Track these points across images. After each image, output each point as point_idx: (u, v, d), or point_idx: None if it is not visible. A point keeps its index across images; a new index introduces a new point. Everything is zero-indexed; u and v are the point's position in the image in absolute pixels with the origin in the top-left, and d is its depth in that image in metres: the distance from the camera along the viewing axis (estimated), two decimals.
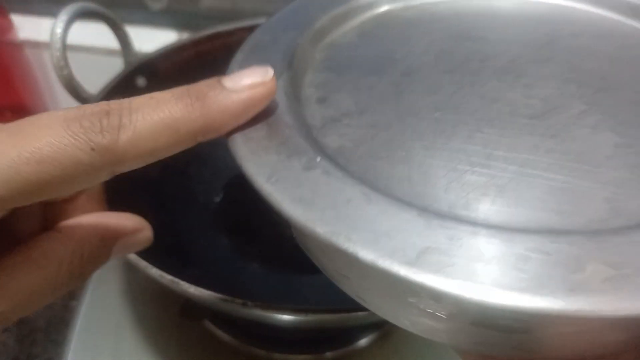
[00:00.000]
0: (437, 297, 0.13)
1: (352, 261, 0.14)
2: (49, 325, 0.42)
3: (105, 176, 0.15)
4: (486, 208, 0.15)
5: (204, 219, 0.46)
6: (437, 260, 0.13)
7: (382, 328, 0.41)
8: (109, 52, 0.59)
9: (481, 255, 0.13)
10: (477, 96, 0.19)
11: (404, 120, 0.18)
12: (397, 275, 0.13)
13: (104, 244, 0.19)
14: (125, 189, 0.40)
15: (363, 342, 0.40)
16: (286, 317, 0.29)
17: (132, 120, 0.15)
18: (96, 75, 0.41)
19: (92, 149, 0.14)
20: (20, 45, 0.67)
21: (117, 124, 0.15)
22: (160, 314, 0.41)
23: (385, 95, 0.20)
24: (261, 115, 0.17)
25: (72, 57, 0.39)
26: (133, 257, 0.30)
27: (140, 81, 0.43)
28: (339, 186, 0.15)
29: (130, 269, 0.44)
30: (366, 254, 0.13)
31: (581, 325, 0.13)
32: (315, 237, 0.14)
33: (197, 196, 0.47)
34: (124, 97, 0.16)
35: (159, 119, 0.15)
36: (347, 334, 0.41)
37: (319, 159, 0.16)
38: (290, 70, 0.20)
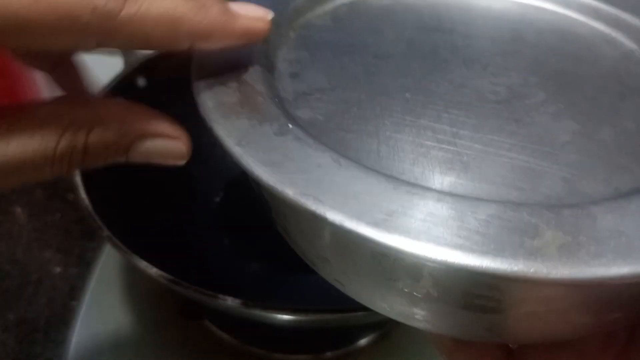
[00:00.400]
0: (401, 258, 0.14)
1: (328, 234, 0.14)
2: (49, 325, 0.42)
3: (90, 45, 0.15)
4: (451, 181, 0.16)
5: (204, 219, 0.46)
6: (402, 223, 0.13)
7: (382, 328, 0.41)
8: (109, 52, 0.59)
9: (445, 220, 0.13)
10: (445, 81, 0.20)
11: (374, 98, 0.19)
12: (364, 236, 0.13)
13: (122, 133, 0.17)
14: (126, 188, 0.40)
15: (363, 342, 0.40)
16: (286, 317, 0.29)
17: None
18: (96, 75, 0.41)
19: (93, 10, 0.14)
20: None
21: None
22: (160, 314, 0.41)
23: (357, 75, 0.20)
24: (234, 83, 0.18)
25: None
26: (133, 257, 0.30)
27: (141, 81, 0.43)
28: (309, 152, 0.15)
29: (130, 269, 0.44)
30: (334, 215, 0.13)
31: (547, 303, 0.14)
32: (285, 200, 0.14)
33: (197, 196, 0.47)
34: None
35: (165, 8, 0.15)
36: (347, 334, 0.41)
37: (290, 125, 0.16)
38: (265, 44, 0.20)
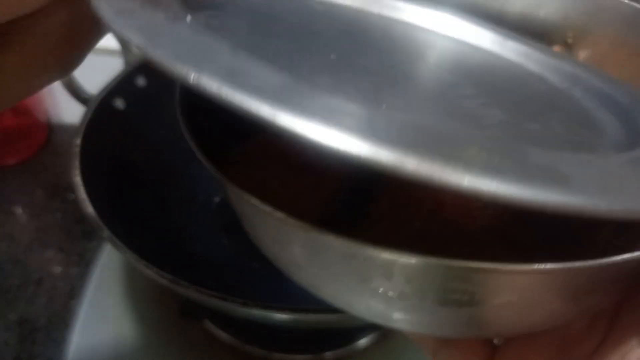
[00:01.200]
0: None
1: (297, 239, 0.14)
2: (50, 324, 0.42)
3: None
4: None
5: (204, 219, 0.46)
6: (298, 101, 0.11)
7: (382, 328, 0.41)
8: (109, 52, 0.59)
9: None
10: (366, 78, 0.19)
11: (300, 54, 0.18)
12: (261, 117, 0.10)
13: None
14: (126, 188, 0.40)
15: (363, 342, 0.41)
16: (286, 317, 0.29)
17: None
18: (96, 75, 0.41)
19: None
20: None
21: None
22: (160, 314, 0.41)
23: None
24: None
25: None
26: (133, 257, 0.30)
27: (140, 81, 0.43)
28: (202, 39, 0.13)
29: (130, 269, 0.44)
30: (211, 84, 0.11)
31: (521, 291, 0.14)
32: (157, 65, 0.12)
33: (197, 196, 0.47)
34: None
35: None
36: (346, 334, 0.41)
37: (189, 18, 0.15)
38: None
